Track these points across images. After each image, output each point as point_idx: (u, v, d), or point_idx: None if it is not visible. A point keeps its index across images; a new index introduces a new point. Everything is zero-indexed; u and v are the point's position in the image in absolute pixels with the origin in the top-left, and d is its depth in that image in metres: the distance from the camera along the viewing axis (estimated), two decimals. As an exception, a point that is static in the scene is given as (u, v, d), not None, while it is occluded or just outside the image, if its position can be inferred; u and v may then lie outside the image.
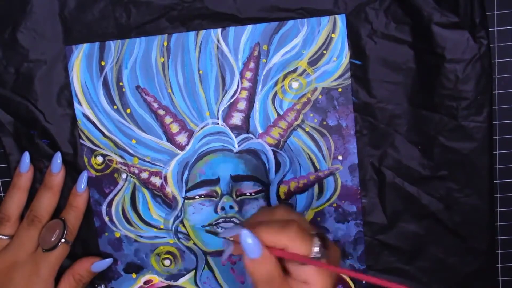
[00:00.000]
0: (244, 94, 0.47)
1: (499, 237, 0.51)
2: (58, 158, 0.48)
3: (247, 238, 0.35)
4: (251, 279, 0.37)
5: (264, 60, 0.46)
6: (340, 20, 0.45)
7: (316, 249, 0.36)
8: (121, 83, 0.47)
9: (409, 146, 0.47)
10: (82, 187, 0.48)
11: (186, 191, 0.49)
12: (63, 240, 0.47)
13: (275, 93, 0.47)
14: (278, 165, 0.48)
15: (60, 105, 0.48)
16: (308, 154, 0.48)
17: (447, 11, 0.43)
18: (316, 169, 0.48)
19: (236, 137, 0.48)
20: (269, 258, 0.36)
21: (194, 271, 0.50)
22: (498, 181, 0.50)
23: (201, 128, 0.48)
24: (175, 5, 0.46)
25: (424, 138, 0.46)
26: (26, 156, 0.48)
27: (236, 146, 0.48)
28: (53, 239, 0.46)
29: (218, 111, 0.47)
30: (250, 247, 0.35)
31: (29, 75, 0.47)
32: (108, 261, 0.49)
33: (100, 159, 0.49)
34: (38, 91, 0.48)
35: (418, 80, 0.46)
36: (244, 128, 0.47)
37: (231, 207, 0.48)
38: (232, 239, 0.38)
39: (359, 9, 0.45)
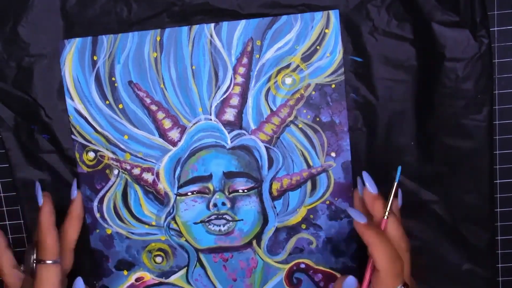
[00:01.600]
0: (237, 89, 0.47)
1: (499, 237, 0.51)
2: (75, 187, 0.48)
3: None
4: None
5: (258, 56, 0.46)
6: (334, 16, 0.45)
7: None
8: (113, 78, 0.47)
9: (409, 143, 0.47)
10: (74, 193, 0.48)
11: (178, 187, 0.48)
12: (34, 261, 0.43)
13: (268, 89, 0.47)
14: (271, 161, 0.47)
15: (61, 99, 0.48)
16: (301, 150, 0.47)
17: (448, 10, 0.44)
18: (309, 166, 0.47)
19: (229, 133, 0.47)
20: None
21: (186, 268, 0.50)
22: (498, 181, 0.50)
23: (194, 124, 0.47)
24: (176, 0, 0.46)
25: (425, 135, 0.46)
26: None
27: (229, 142, 0.47)
28: (30, 263, 0.44)
29: (211, 106, 0.47)
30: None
31: (30, 70, 0.47)
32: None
33: (91, 155, 0.48)
34: (38, 86, 0.47)
35: (419, 77, 0.46)
36: (237, 124, 0.47)
37: (223, 203, 0.48)
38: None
39: (361, 6, 0.45)
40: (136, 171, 0.48)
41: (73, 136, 0.48)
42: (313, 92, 0.46)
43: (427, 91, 0.45)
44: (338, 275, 0.49)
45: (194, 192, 0.48)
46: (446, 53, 0.44)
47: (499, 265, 0.51)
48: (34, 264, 0.43)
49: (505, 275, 0.51)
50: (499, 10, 0.47)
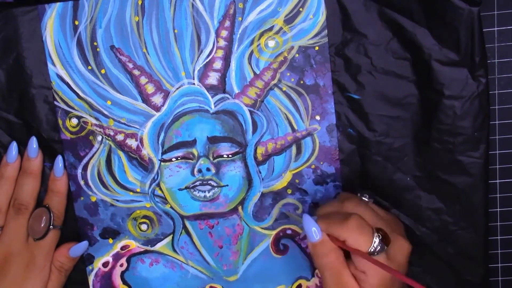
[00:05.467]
0: (220, 53, 0.46)
1: (499, 237, 0.51)
2: (33, 143, 0.47)
3: (307, 223, 0.40)
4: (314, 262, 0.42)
5: (240, 18, 0.46)
6: (316, -24, 0.44)
7: (375, 245, 0.38)
8: (95, 43, 0.47)
9: (405, 179, 0.47)
10: (61, 171, 0.47)
11: (163, 153, 0.48)
12: (51, 226, 0.46)
13: (251, 52, 0.46)
14: (255, 125, 0.47)
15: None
16: (285, 114, 0.47)
17: (447, 49, 0.43)
18: (293, 130, 0.47)
19: (212, 97, 0.47)
20: (328, 243, 0.40)
21: (172, 235, 0.49)
22: (498, 181, 0.50)
23: (177, 88, 0.47)
24: None
25: (421, 171, 0.47)
26: (14, 146, 0.47)
27: (213, 106, 0.47)
28: (41, 227, 0.46)
29: (194, 71, 0.47)
30: (310, 232, 0.40)
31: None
32: (84, 243, 0.48)
33: (75, 121, 0.48)
34: None
35: (417, 115, 0.46)
36: (221, 88, 0.47)
37: (208, 169, 0.48)
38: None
39: (359, 44, 0.45)
40: (120, 137, 0.48)
41: (55, 103, 0.47)
42: (297, 55, 0.46)
43: (424, 128, 0.46)
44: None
45: (179, 158, 0.48)
46: (444, 91, 0.44)
47: (499, 265, 0.51)
48: (47, 229, 0.46)
49: (505, 275, 0.52)
50: (499, 10, 0.47)
